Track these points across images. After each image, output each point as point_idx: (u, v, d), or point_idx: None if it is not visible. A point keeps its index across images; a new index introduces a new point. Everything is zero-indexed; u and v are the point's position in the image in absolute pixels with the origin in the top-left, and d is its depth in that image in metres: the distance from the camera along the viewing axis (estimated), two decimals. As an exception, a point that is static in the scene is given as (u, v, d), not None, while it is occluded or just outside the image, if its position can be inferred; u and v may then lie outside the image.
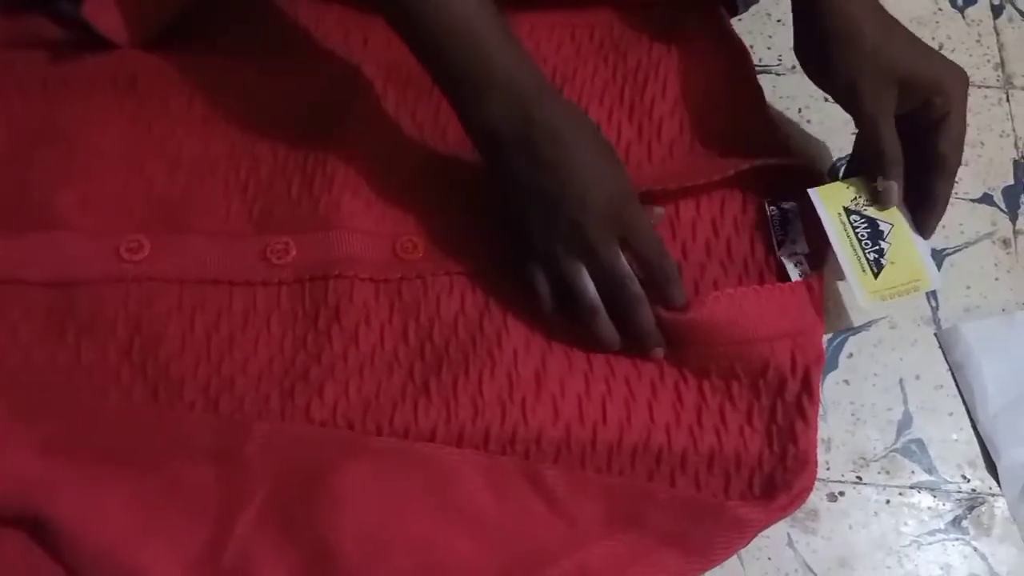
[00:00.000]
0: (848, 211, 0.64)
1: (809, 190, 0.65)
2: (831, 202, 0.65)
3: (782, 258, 0.65)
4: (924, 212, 0.64)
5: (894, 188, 0.63)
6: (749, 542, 0.58)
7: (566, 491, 0.57)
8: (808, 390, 0.60)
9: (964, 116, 0.63)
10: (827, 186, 0.65)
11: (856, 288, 0.63)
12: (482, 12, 0.60)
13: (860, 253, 0.63)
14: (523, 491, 0.57)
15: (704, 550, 0.56)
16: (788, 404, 0.60)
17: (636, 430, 0.59)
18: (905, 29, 0.64)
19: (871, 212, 0.64)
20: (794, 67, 0.75)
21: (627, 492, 0.57)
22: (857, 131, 0.65)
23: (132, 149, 0.67)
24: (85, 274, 0.63)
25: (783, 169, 0.67)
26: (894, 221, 0.64)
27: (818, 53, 0.64)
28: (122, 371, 0.61)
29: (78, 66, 0.70)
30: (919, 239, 0.64)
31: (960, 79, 0.63)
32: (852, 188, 0.65)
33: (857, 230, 0.64)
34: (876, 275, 0.63)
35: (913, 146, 0.63)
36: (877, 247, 0.63)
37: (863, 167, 0.65)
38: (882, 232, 0.64)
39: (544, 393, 0.60)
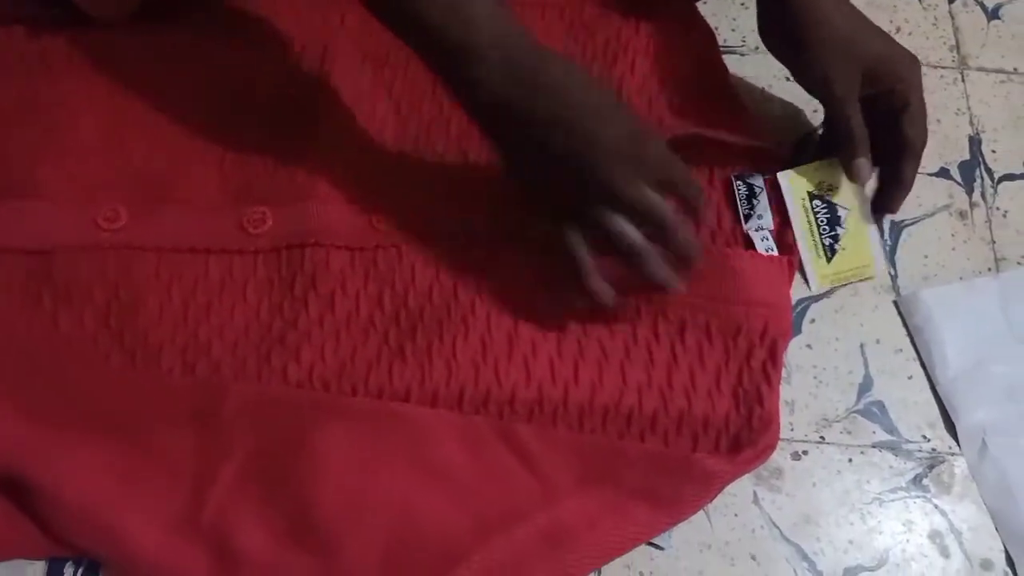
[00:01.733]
0: (811, 195, 0.68)
1: (779, 174, 0.68)
2: (797, 186, 0.68)
3: (749, 232, 0.67)
4: (893, 191, 0.68)
5: (865, 164, 0.66)
6: (716, 495, 0.59)
7: (538, 448, 0.59)
8: (773, 359, 0.62)
9: (924, 101, 0.67)
10: (796, 169, 0.69)
11: (810, 273, 0.67)
12: None
13: (817, 238, 0.67)
14: (496, 449, 0.59)
15: (673, 503, 0.58)
16: (754, 370, 0.62)
17: (608, 391, 0.61)
18: (867, 18, 0.67)
19: (832, 198, 0.68)
20: (758, 48, 0.77)
21: (598, 449, 0.59)
22: (826, 115, 0.69)
23: (111, 124, 0.68)
24: (62, 241, 0.64)
25: (749, 148, 0.69)
26: (851, 207, 0.68)
27: (788, 39, 0.67)
28: (99, 338, 0.62)
29: (56, 42, 0.70)
30: (872, 227, 0.68)
31: (917, 66, 0.67)
32: (818, 172, 0.69)
33: (818, 215, 0.68)
34: (829, 260, 0.67)
35: (876, 131, 0.66)
36: (833, 232, 0.67)
37: (833, 149, 0.68)
38: (839, 218, 0.68)
39: (516, 354, 0.61)
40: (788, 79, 0.75)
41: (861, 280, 0.68)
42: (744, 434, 0.60)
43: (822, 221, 0.67)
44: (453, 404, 0.60)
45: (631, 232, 0.59)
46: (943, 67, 0.78)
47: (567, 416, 0.60)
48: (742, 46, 0.78)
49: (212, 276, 0.64)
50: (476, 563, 0.55)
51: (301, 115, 0.69)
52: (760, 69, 0.76)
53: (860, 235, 0.68)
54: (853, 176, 0.67)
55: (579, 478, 0.58)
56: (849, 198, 0.68)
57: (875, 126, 0.66)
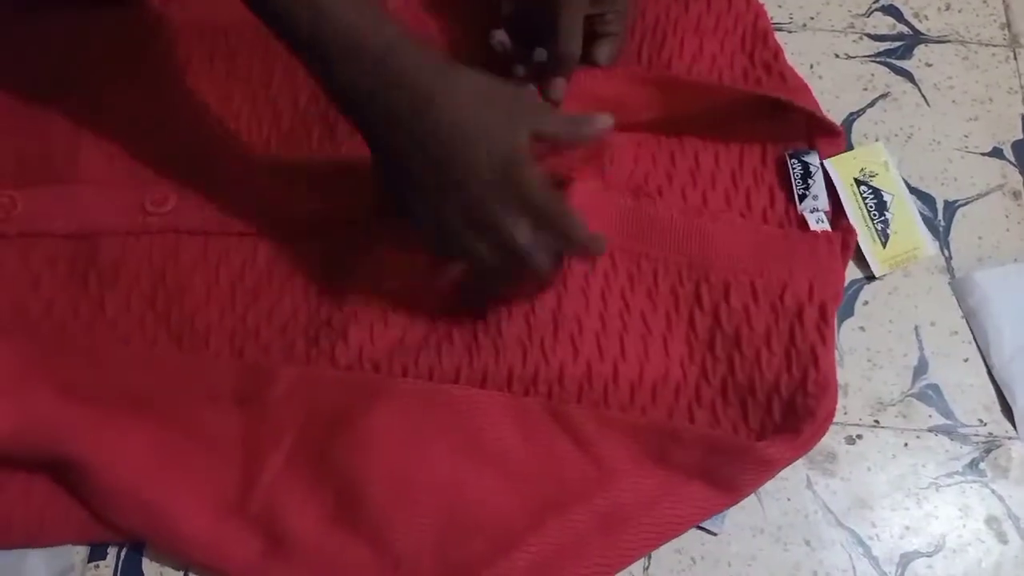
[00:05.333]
0: (858, 182, 0.67)
1: (825, 161, 0.68)
2: (844, 172, 0.67)
3: (804, 212, 0.66)
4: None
5: (563, 83, 0.65)
6: (774, 476, 0.58)
7: (593, 430, 0.58)
8: (824, 318, 0.61)
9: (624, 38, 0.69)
10: (838, 157, 0.68)
11: (870, 259, 0.66)
12: None
13: (871, 223, 0.66)
14: (550, 431, 0.58)
15: (730, 485, 0.57)
16: (807, 328, 0.60)
17: (654, 365, 0.60)
18: None
19: (875, 183, 0.67)
20: (805, 25, 0.76)
21: (652, 430, 0.58)
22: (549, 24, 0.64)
23: (154, 104, 0.68)
24: (109, 226, 0.64)
25: (807, 125, 0.68)
26: (895, 192, 0.67)
27: None
28: (146, 321, 0.62)
29: (98, 20, 0.70)
30: (914, 208, 0.67)
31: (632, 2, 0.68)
32: (857, 159, 0.68)
33: (867, 200, 0.67)
34: (884, 245, 0.66)
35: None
36: (883, 218, 0.66)
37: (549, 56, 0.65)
38: (885, 203, 0.67)
39: (562, 332, 0.61)
40: (836, 56, 0.75)
41: (916, 261, 0.67)
42: (800, 399, 0.58)
43: (871, 207, 0.66)
44: (503, 384, 0.59)
45: (503, 260, 0.55)
46: (994, 45, 0.76)
47: (617, 392, 0.59)
48: (789, 23, 0.76)
49: (260, 259, 0.63)
50: (532, 546, 0.54)
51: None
52: (807, 46, 0.75)
53: (906, 217, 0.67)
54: (549, 94, 0.65)
55: (634, 459, 0.57)
56: (889, 182, 0.67)
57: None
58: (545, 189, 0.55)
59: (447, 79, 0.54)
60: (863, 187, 0.67)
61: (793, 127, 0.68)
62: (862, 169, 0.68)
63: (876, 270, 0.66)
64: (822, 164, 0.67)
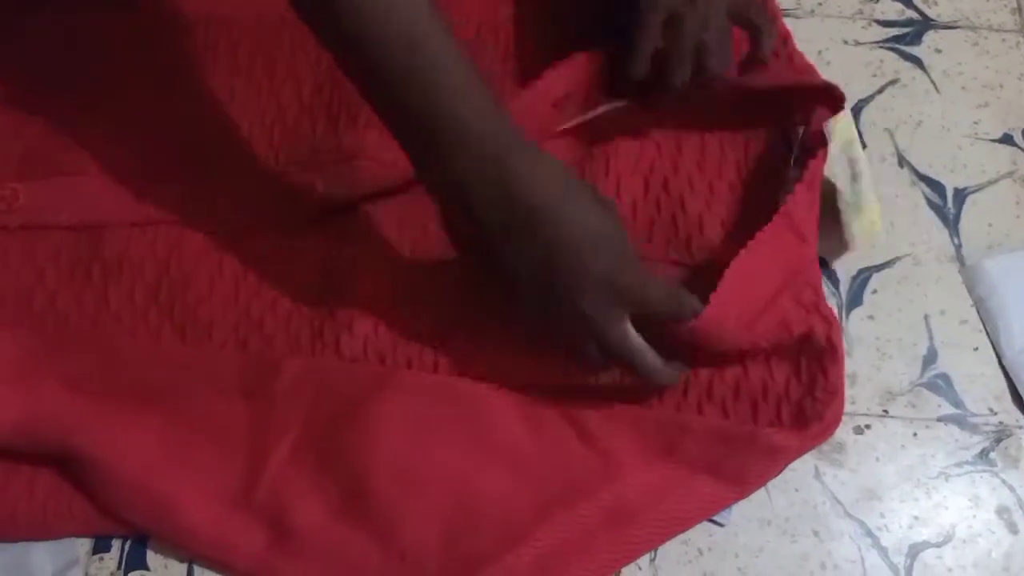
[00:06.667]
0: (843, 152, 0.66)
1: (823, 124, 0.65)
2: (836, 139, 0.65)
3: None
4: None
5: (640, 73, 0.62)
6: (782, 470, 0.58)
7: (599, 424, 0.58)
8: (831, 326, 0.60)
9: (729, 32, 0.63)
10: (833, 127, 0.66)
11: (848, 225, 0.64)
12: (447, 46, 0.50)
13: (849, 190, 0.65)
14: (556, 425, 0.58)
15: (738, 478, 0.57)
16: (815, 333, 0.59)
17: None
18: None
19: (853, 152, 0.65)
20: (813, 11, 0.76)
21: (659, 423, 0.58)
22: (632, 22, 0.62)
23: (158, 96, 0.68)
24: (112, 218, 0.63)
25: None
26: (865, 169, 0.65)
27: None
28: (150, 313, 0.62)
29: (102, 15, 0.70)
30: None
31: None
32: (846, 131, 0.66)
33: (853, 166, 0.65)
34: (859, 213, 0.64)
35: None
36: (858, 187, 0.65)
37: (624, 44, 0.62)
38: (859, 174, 0.65)
39: None
40: (845, 42, 0.74)
41: (874, 235, 0.65)
42: (808, 403, 0.58)
43: (853, 176, 0.65)
44: (508, 376, 0.59)
45: (616, 355, 0.55)
46: (1005, 31, 0.76)
47: (624, 387, 0.59)
48: (797, 8, 0.76)
49: (263, 251, 0.63)
50: (539, 540, 0.54)
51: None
52: (815, 32, 0.74)
53: (871, 193, 0.65)
54: (628, 74, 0.62)
55: (641, 453, 0.57)
56: (859, 152, 0.66)
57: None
58: (651, 288, 0.54)
59: (567, 189, 0.53)
60: (848, 157, 0.65)
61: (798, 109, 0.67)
62: (847, 140, 0.66)
63: (850, 240, 0.64)
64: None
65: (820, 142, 0.63)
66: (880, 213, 0.65)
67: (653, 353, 0.55)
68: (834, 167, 0.65)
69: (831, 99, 0.64)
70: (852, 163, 0.66)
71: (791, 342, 0.59)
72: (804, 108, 0.65)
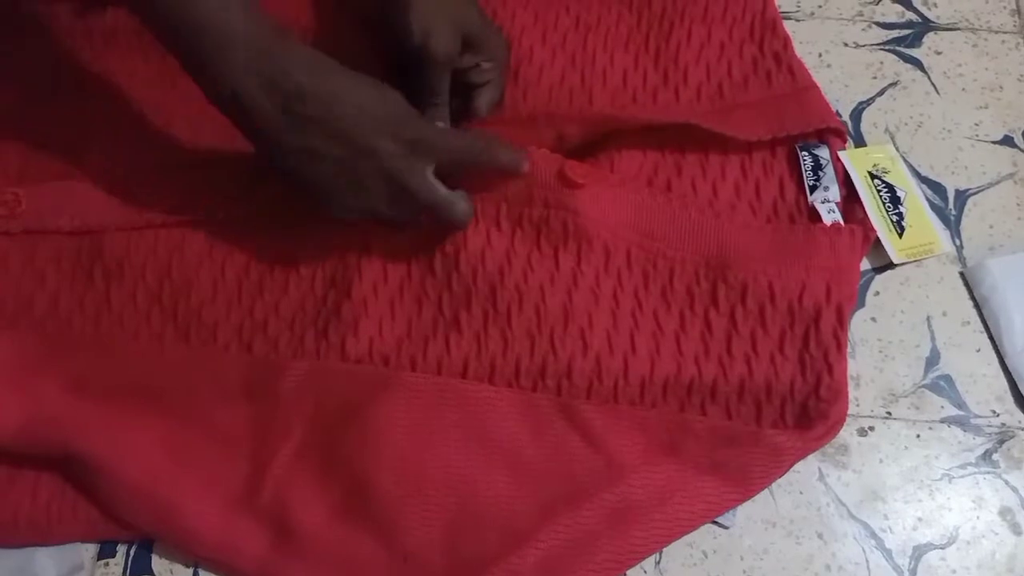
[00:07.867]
0: (871, 175, 0.67)
1: (840, 153, 0.67)
2: (858, 164, 0.67)
3: (814, 203, 0.65)
4: None
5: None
6: (786, 471, 0.58)
7: (602, 425, 0.58)
8: (841, 322, 0.60)
9: (504, 83, 0.68)
10: (853, 150, 0.68)
11: (888, 246, 0.65)
12: None
13: (886, 214, 0.66)
14: (559, 427, 0.58)
15: (742, 479, 0.57)
16: (822, 333, 0.60)
17: (666, 361, 0.59)
18: None
19: (888, 179, 0.67)
20: (813, 13, 0.76)
21: (662, 424, 0.58)
22: (420, 72, 0.64)
23: (157, 101, 0.67)
24: (113, 221, 0.63)
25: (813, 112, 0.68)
26: (907, 189, 0.67)
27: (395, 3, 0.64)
28: (152, 316, 0.61)
29: (102, 18, 0.70)
30: (926, 205, 0.67)
31: (508, 49, 0.68)
32: (871, 156, 0.68)
33: (880, 193, 0.66)
34: (900, 236, 0.66)
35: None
36: (898, 211, 0.66)
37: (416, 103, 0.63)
38: (899, 198, 0.66)
39: (572, 326, 0.60)
40: (845, 44, 0.74)
41: (932, 256, 0.66)
42: (812, 403, 0.58)
43: (885, 199, 0.66)
44: (511, 377, 0.59)
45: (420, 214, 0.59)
46: (1004, 32, 0.76)
47: (627, 388, 0.59)
48: (797, 11, 0.76)
49: (264, 252, 0.63)
50: (543, 542, 0.54)
51: None
52: (815, 34, 0.74)
53: (920, 215, 0.67)
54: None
55: (644, 454, 0.57)
56: (901, 178, 0.67)
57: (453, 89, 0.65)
58: (437, 132, 0.59)
59: (331, 72, 0.56)
60: (876, 180, 0.67)
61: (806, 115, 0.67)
62: (875, 164, 0.67)
63: (894, 257, 0.65)
64: (833, 160, 0.67)
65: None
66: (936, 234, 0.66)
67: (460, 196, 0.59)
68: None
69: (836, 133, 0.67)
70: (872, 188, 0.67)
71: (798, 328, 0.60)
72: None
